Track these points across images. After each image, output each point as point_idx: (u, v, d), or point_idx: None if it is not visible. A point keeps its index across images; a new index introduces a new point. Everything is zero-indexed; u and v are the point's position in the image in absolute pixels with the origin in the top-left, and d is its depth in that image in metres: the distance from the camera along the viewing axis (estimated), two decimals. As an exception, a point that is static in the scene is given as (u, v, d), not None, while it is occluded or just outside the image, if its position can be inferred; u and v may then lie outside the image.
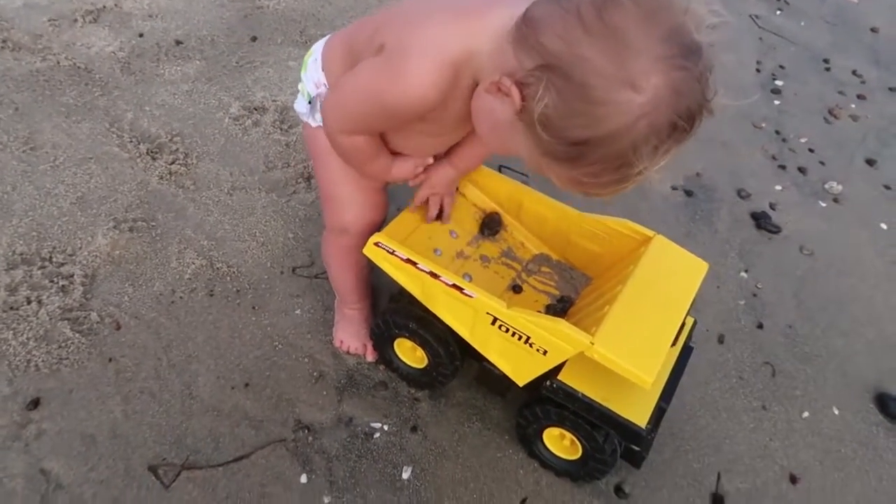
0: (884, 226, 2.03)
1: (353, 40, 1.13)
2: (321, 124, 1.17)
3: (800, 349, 1.65)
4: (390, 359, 1.38)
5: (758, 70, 2.55)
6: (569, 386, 1.16)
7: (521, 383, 1.20)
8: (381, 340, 1.36)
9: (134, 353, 1.35)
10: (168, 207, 1.60)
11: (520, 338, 1.13)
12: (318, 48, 1.20)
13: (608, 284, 1.26)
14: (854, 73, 2.65)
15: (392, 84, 0.97)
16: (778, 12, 2.92)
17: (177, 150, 1.73)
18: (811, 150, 2.24)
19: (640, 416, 1.15)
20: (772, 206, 2.00)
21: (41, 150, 1.65)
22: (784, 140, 2.25)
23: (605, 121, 0.82)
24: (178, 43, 2.02)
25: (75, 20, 2.01)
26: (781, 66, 2.59)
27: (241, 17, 2.17)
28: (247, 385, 1.34)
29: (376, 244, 1.19)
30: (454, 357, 1.29)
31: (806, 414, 1.52)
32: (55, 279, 1.42)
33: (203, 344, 1.39)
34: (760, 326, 1.68)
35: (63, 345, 1.33)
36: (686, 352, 1.28)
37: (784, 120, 2.34)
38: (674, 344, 1.24)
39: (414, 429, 1.34)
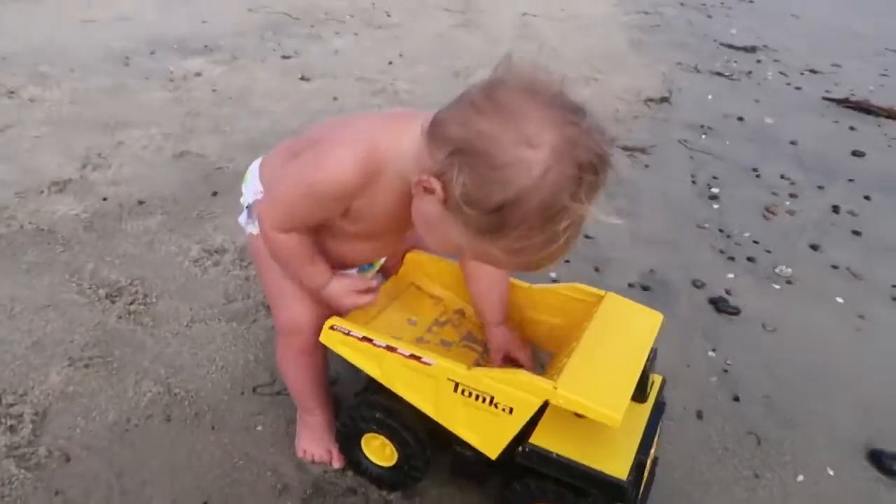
0: (840, 300, 2.08)
1: (294, 146, 1.23)
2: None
3: (781, 416, 1.61)
4: (358, 460, 1.31)
5: (693, 182, 2.73)
6: (542, 448, 1.11)
7: (493, 455, 1.15)
8: (348, 440, 1.30)
9: (83, 484, 1.26)
10: (126, 343, 1.59)
11: (484, 400, 1.10)
12: (255, 164, 1.31)
13: (568, 349, 1.26)
14: (782, 176, 2.85)
15: (317, 169, 1.06)
16: (703, 136, 3.19)
17: (136, 291, 1.75)
18: (756, 242, 2.34)
19: (619, 469, 1.09)
20: (727, 292, 2.04)
21: (0, 304, 1.67)
22: (728, 236, 2.36)
23: (514, 180, 0.88)
24: (141, 203, 2.12)
25: (41, 192, 2.12)
26: (715, 177, 2.78)
27: (202, 177, 2.30)
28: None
29: (332, 328, 1.19)
30: (424, 446, 1.24)
31: (801, 478, 1.46)
32: (3, 420, 1.36)
33: (158, 468, 1.31)
34: (737, 399, 1.65)
35: (6, 482, 1.25)
36: (659, 408, 1.25)
37: (725, 220, 2.46)
38: (644, 400, 1.22)
39: (387, 531, 1.24)
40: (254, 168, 1.30)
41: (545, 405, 1.09)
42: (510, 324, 1.37)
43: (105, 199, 2.12)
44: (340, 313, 1.21)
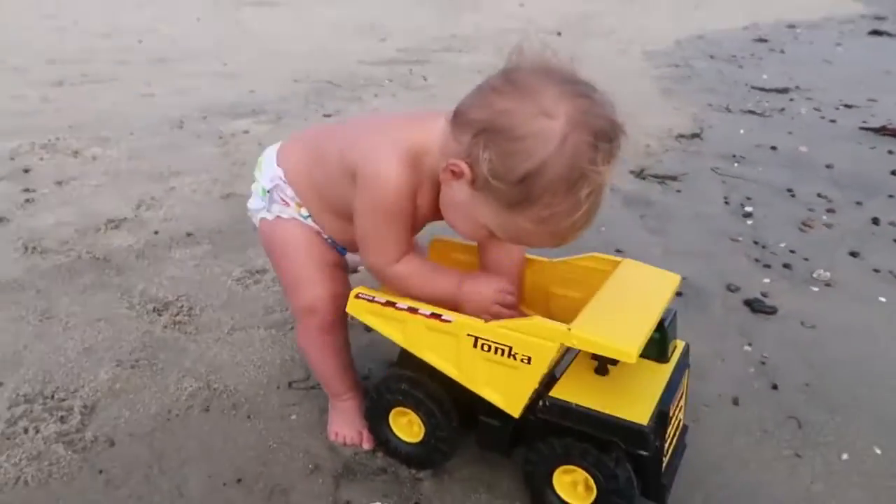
0: (883, 299, 2.02)
1: (317, 146, 1.32)
2: (279, 214, 1.33)
3: (823, 402, 1.56)
4: (386, 438, 1.33)
5: (726, 202, 2.73)
6: (562, 400, 1.12)
7: (516, 412, 1.15)
8: (376, 416, 1.32)
9: (125, 465, 1.32)
10: (170, 348, 1.67)
11: (502, 352, 1.12)
12: (270, 151, 1.39)
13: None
14: (819, 195, 2.82)
15: (379, 190, 1.13)
16: (735, 164, 3.20)
17: (181, 306, 1.84)
18: (792, 251, 2.31)
19: (639, 416, 1.09)
20: (763, 295, 2.02)
21: (55, 318, 1.78)
22: (763, 247, 2.34)
23: (535, 149, 0.97)
24: (189, 234, 2.26)
25: (99, 229, 2.28)
26: (748, 198, 2.77)
27: (245, 212, 2.42)
28: (239, 481, 1.29)
29: (357, 296, 1.24)
30: (449, 416, 1.26)
31: (845, 456, 1.40)
32: (54, 412, 1.44)
33: (196, 451, 1.36)
34: (775, 387, 1.61)
35: (54, 462, 1.31)
36: (681, 368, 1.24)
37: (760, 233, 2.45)
38: (665, 361, 1.22)
39: (416, 505, 1.25)
40: (269, 155, 1.37)
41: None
42: (529, 302, 1.39)
43: (156, 233, 2.26)
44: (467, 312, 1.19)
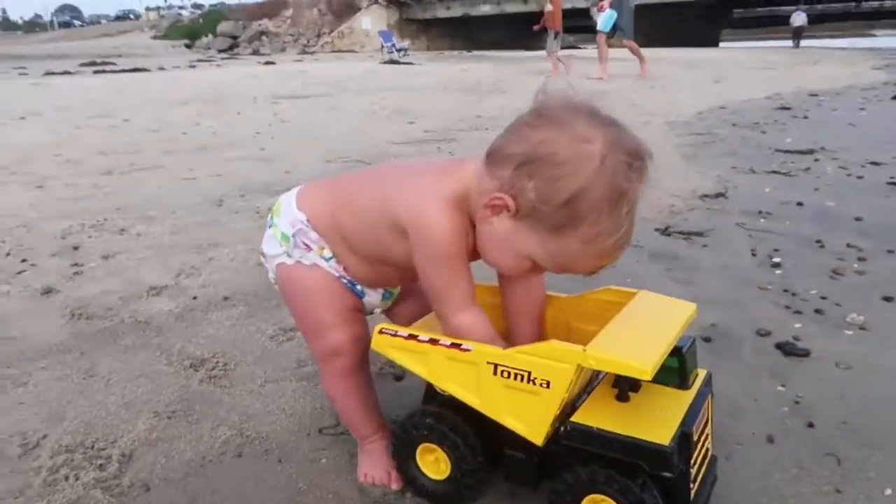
0: (921, 340, 1.98)
1: (344, 193, 1.38)
2: (300, 260, 1.36)
3: (862, 439, 1.52)
4: (413, 476, 1.34)
5: (753, 254, 2.73)
6: (583, 424, 1.13)
7: (539, 440, 1.16)
8: (403, 452, 1.34)
9: (160, 507, 1.35)
10: (205, 400, 1.72)
11: (522, 378, 1.14)
12: (287, 196, 1.43)
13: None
14: (849, 245, 2.80)
15: (434, 240, 1.18)
16: (762, 220, 3.21)
17: (217, 362, 1.90)
18: (823, 298, 2.29)
19: (661, 436, 1.09)
20: (795, 338, 1.99)
21: (98, 376, 1.85)
22: (794, 294, 2.32)
23: (578, 172, 1.05)
24: (226, 298, 2.34)
25: (141, 296, 2.38)
26: (776, 249, 2.77)
27: (279, 277, 2.52)
28: (270, 522, 1.30)
29: (381, 331, 1.28)
30: (475, 450, 1.26)
31: (889, 491, 1.36)
32: (94, 461, 1.49)
33: (229, 494, 1.38)
34: (811, 425, 1.57)
35: (93, 506, 1.35)
36: (704, 393, 1.23)
37: (790, 282, 2.43)
38: (687, 388, 1.22)
39: (444, 541, 1.24)
40: (287, 201, 1.41)
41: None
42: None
43: (195, 298, 2.35)
44: None
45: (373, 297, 1.43)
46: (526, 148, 1.09)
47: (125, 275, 2.59)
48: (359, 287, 1.40)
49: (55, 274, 2.61)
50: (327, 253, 1.36)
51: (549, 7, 11.37)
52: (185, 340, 2.04)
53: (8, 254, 2.86)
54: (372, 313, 1.47)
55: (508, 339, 1.35)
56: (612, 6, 10.50)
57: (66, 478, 1.43)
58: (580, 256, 1.10)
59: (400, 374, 1.82)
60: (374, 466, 1.40)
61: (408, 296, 1.50)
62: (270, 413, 1.66)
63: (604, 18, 10.72)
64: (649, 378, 1.05)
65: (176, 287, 2.46)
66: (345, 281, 1.38)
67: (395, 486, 1.38)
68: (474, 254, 1.24)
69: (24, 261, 2.77)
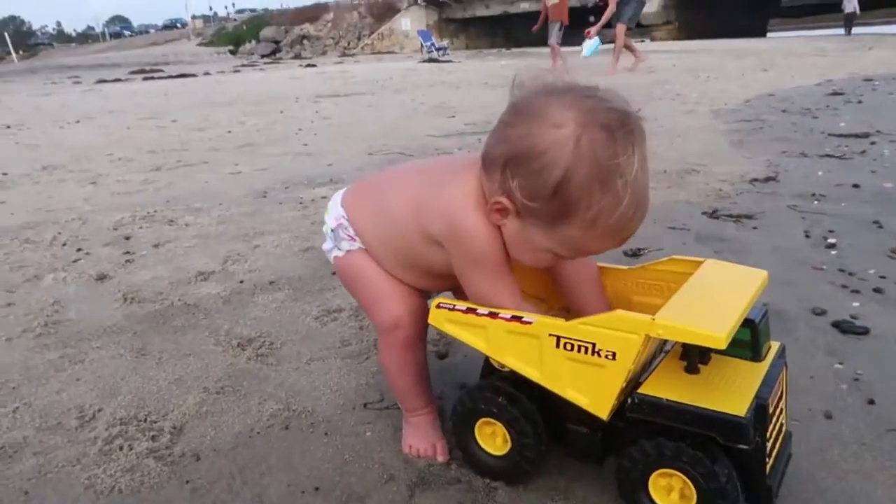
0: None
1: (381, 200, 1.36)
2: (349, 249, 1.38)
3: (928, 414, 1.45)
4: (467, 445, 1.32)
5: (807, 236, 2.64)
6: (652, 396, 1.09)
7: (604, 414, 1.13)
8: (463, 422, 1.31)
9: (210, 475, 1.37)
10: (253, 377, 1.74)
11: (586, 350, 1.10)
12: (337, 195, 1.45)
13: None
14: (908, 225, 2.69)
15: (473, 244, 1.16)
16: (815, 202, 3.11)
17: (263, 341, 1.93)
18: (882, 277, 2.20)
19: (736, 408, 1.04)
20: (853, 317, 1.92)
21: (149, 355, 1.89)
22: (851, 274, 2.24)
23: (556, 159, 1.03)
24: (271, 282, 2.38)
25: (189, 282, 2.43)
26: (831, 230, 2.68)
27: (324, 263, 2.54)
28: (316, 489, 1.31)
29: (438, 306, 1.26)
30: (541, 439, 1.24)
31: (956, 466, 1.29)
32: (147, 432, 1.52)
33: (275, 463, 1.40)
34: (872, 402, 1.51)
35: (146, 474, 1.37)
36: (778, 365, 1.18)
37: (846, 262, 2.35)
38: (760, 360, 1.18)
39: (491, 511, 1.23)
40: (335, 199, 1.44)
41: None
42: None
43: (241, 282, 2.39)
44: None
45: None
46: (506, 148, 1.07)
47: (174, 262, 2.65)
48: None
49: (108, 262, 2.69)
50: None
51: (552, 0, 11.15)
52: (233, 322, 2.07)
53: (64, 244, 2.96)
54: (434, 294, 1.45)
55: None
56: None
57: (121, 448, 1.47)
58: (590, 240, 1.07)
59: (444, 353, 1.82)
60: (420, 439, 1.40)
61: None
62: (316, 389, 1.67)
63: (590, 46, 10.46)
64: (723, 346, 1.00)
65: (223, 272, 2.51)
66: None
67: (440, 458, 1.37)
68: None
69: (79, 250, 2.86)
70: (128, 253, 2.78)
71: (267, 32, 36.75)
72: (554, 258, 1.16)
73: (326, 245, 1.44)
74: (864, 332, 1.83)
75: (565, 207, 1.04)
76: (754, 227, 2.78)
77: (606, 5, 10.16)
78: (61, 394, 1.71)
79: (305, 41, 34.76)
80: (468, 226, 1.15)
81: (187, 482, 1.35)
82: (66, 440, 1.51)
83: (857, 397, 1.54)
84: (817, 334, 1.83)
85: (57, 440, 1.51)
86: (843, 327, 1.86)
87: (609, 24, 10.39)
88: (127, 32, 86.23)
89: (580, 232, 1.06)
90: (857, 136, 4.60)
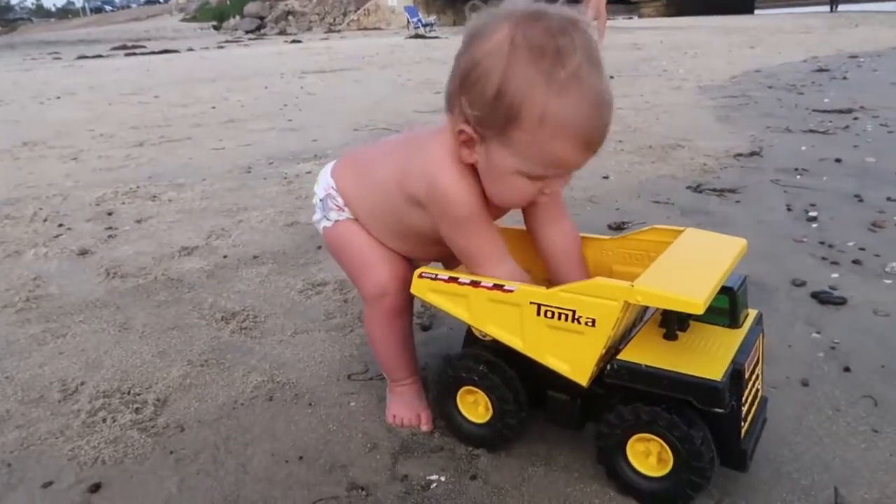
0: (964, 288, 1.92)
1: (367, 173, 1.36)
2: (337, 219, 1.38)
3: (901, 381, 1.48)
4: (450, 414, 1.33)
5: (789, 209, 2.67)
6: (630, 362, 1.10)
7: (583, 380, 1.14)
8: (445, 390, 1.33)
9: (194, 446, 1.37)
10: (237, 350, 1.74)
11: (566, 317, 1.11)
12: (326, 167, 1.45)
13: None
14: (889, 199, 2.72)
15: (451, 205, 1.16)
16: (798, 177, 3.13)
17: (247, 315, 1.93)
18: (862, 249, 2.23)
19: (712, 372, 1.06)
20: (832, 288, 1.95)
21: (132, 329, 1.89)
22: (830, 246, 2.27)
23: (493, 64, 1.03)
24: (255, 257, 2.37)
25: (173, 256, 2.42)
26: (812, 204, 2.70)
27: (308, 237, 2.54)
28: (301, 458, 1.32)
29: (420, 276, 1.27)
30: (522, 406, 1.25)
31: (928, 430, 1.32)
32: (130, 405, 1.52)
33: (259, 434, 1.40)
34: (847, 370, 1.54)
35: (129, 445, 1.38)
36: (755, 332, 1.20)
37: (826, 235, 2.37)
38: (739, 326, 1.19)
39: (473, 477, 1.25)
40: (325, 170, 1.43)
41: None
42: None
43: (225, 257, 2.38)
44: None
45: None
46: (456, 75, 1.09)
47: (157, 237, 2.63)
48: None
49: (90, 237, 2.66)
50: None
51: None
52: (217, 295, 2.07)
53: (45, 220, 2.93)
54: (422, 263, 1.45)
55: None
56: None
57: (104, 420, 1.46)
58: (549, 143, 1.04)
59: (427, 325, 1.83)
60: (404, 408, 1.41)
61: None
62: (300, 361, 1.67)
63: None
64: (701, 312, 1.01)
65: (207, 247, 2.49)
66: None
67: (425, 427, 1.39)
68: (497, 211, 1.23)
69: (60, 226, 2.83)
70: (110, 228, 2.76)
71: (251, 8, 36.16)
72: (534, 187, 1.13)
73: (315, 216, 1.44)
74: (842, 302, 1.86)
75: (511, 109, 1.02)
76: (737, 202, 2.79)
77: None
78: (43, 367, 1.70)
79: (290, 17, 34.26)
80: (444, 182, 1.16)
81: (171, 453, 1.35)
82: (49, 413, 1.51)
83: (833, 365, 1.56)
84: (796, 305, 1.86)
85: (40, 413, 1.51)
86: (821, 298, 1.88)
87: None
88: (108, 7, 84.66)
89: (533, 134, 1.03)
90: (840, 111, 4.62)
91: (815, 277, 2.02)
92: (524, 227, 1.40)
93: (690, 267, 1.14)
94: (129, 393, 1.57)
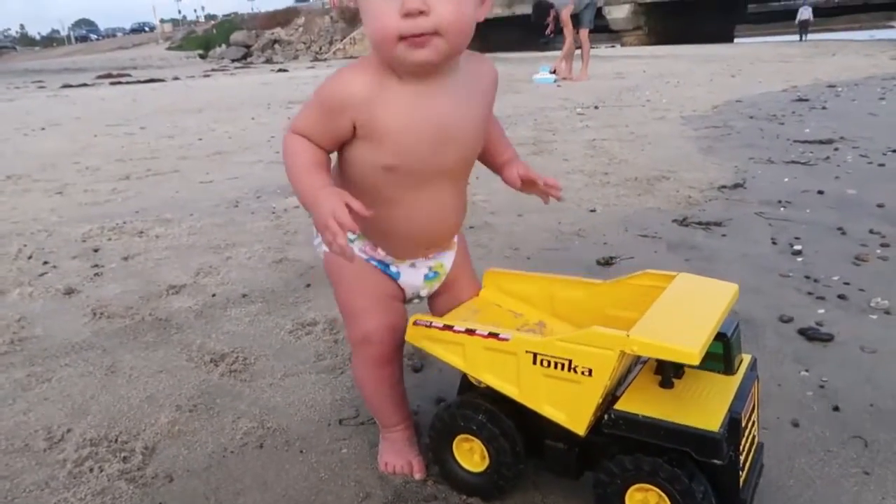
0: (948, 323, 1.95)
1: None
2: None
3: (891, 421, 1.49)
4: (444, 461, 1.32)
5: (774, 243, 2.70)
6: (628, 412, 1.11)
7: (581, 430, 1.14)
8: (441, 437, 1.32)
9: (183, 497, 1.35)
10: (226, 394, 1.73)
11: (563, 367, 1.12)
12: None
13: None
14: (871, 231, 2.76)
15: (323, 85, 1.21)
16: (782, 209, 3.17)
17: (237, 357, 1.91)
18: (847, 283, 2.26)
19: (710, 423, 1.06)
20: (818, 324, 1.97)
21: (120, 371, 1.86)
22: (816, 280, 2.29)
23: None
24: (244, 295, 2.36)
25: (160, 295, 2.40)
26: (797, 237, 2.73)
27: (297, 274, 2.53)
28: (292, 509, 1.31)
29: (415, 323, 1.27)
30: (519, 458, 1.25)
31: (919, 472, 1.33)
32: (118, 453, 1.50)
33: (250, 483, 1.38)
34: (837, 409, 1.55)
35: (117, 496, 1.36)
36: (750, 378, 1.21)
37: (811, 269, 2.40)
38: (732, 373, 1.20)
39: (468, 527, 1.24)
40: None
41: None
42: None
43: (214, 296, 2.37)
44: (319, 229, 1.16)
45: (411, 277, 1.39)
46: None
47: (145, 275, 2.61)
48: (393, 268, 1.37)
49: (76, 275, 2.64)
50: (351, 234, 1.34)
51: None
52: (205, 336, 2.05)
53: (30, 257, 2.90)
54: (415, 300, 1.44)
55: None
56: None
57: (91, 470, 1.44)
58: None
59: (418, 366, 1.82)
60: (397, 455, 1.40)
61: (448, 288, 1.46)
62: (290, 405, 1.66)
63: (544, 77, 10.05)
64: (697, 362, 1.02)
65: (195, 286, 2.48)
66: (375, 263, 1.36)
67: (417, 475, 1.37)
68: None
69: (45, 263, 2.80)
70: (96, 266, 2.74)
71: (237, 36, 36.39)
72: (386, 4, 1.09)
73: (314, 239, 1.41)
74: (829, 338, 1.88)
75: None
76: (723, 235, 2.82)
77: (548, 25, 9.82)
78: (28, 414, 1.67)
79: (277, 45, 34.51)
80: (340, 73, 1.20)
81: (160, 504, 1.34)
82: (34, 462, 1.48)
83: (822, 405, 1.57)
84: (784, 342, 1.87)
85: (24, 463, 1.48)
86: (808, 334, 1.90)
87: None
88: (94, 36, 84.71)
89: None
90: (821, 142, 4.70)
91: (802, 313, 2.04)
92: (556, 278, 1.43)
93: (684, 315, 1.15)
94: (116, 441, 1.55)
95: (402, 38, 1.11)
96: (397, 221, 1.30)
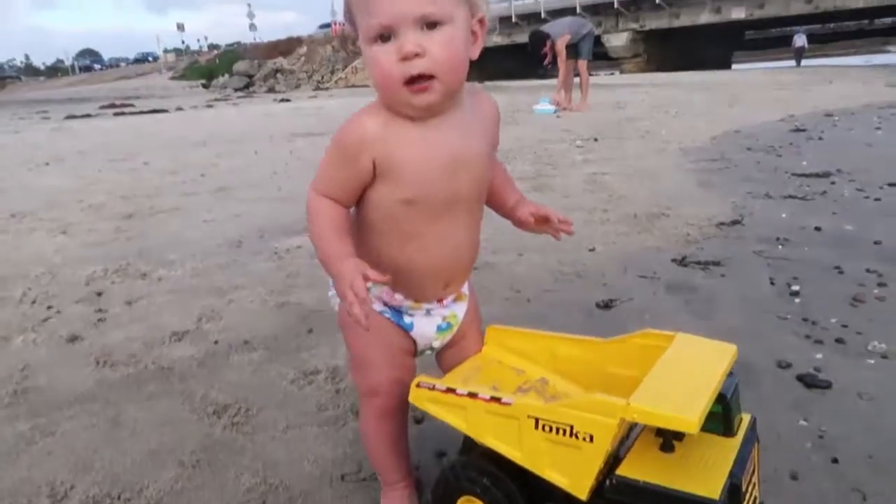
0: (946, 369, 1.96)
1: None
2: None
3: (890, 472, 1.50)
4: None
5: (772, 283, 2.72)
6: (629, 478, 1.12)
7: (583, 495, 1.15)
8: (444, 499, 1.32)
9: (186, 558, 1.36)
10: (229, 448, 1.74)
11: (564, 432, 1.14)
12: None
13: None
14: (868, 270, 2.78)
15: (338, 131, 1.28)
16: (780, 247, 3.20)
17: (239, 408, 1.92)
18: (844, 326, 2.27)
19: (710, 490, 1.08)
20: (816, 370, 1.98)
21: (124, 424, 1.88)
22: (814, 323, 2.31)
23: None
24: (246, 342, 2.37)
25: (163, 342, 2.42)
26: (795, 277, 2.76)
27: (300, 319, 2.55)
28: (294, 571, 1.31)
29: (418, 385, 1.29)
30: None
31: (917, 528, 1.33)
32: (121, 511, 1.51)
33: (253, 543, 1.39)
34: (835, 461, 1.56)
35: (120, 558, 1.36)
36: (750, 440, 1.22)
37: (809, 311, 2.42)
38: (732, 435, 1.22)
39: (469, 589, 1.24)
40: None
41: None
42: (586, 385, 1.41)
43: (216, 342, 2.39)
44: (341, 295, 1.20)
45: (424, 328, 1.40)
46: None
47: (148, 320, 2.64)
48: (406, 319, 1.39)
49: (80, 321, 2.66)
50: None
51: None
52: (208, 387, 2.07)
53: (34, 301, 2.92)
54: (427, 352, 1.46)
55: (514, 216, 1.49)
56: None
57: (94, 529, 1.45)
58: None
59: (420, 418, 1.83)
60: (398, 514, 1.41)
61: (456, 342, 1.48)
62: (293, 460, 1.67)
63: (544, 108, 10.11)
64: (695, 431, 1.04)
65: (197, 331, 2.50)
66: (389, 314, 1.38)
67: (417, 534, 1.38)
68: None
69: (49, 307, 2.83)
70: (100, 311, 2.76)
71: (240, 66, 36.83)
72: (384, 52, 1.17)
73: (330, 291, 1.41)
74: (827, 385, 1.89)
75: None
76: (722, 275, 2.85)
77: (546, 55, 9.89)
78: (32, 470, 1.68)
79: (279, 75, 34.90)
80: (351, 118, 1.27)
81: (166, 566, 1.34)
82: (38, 522, 1.49)
83: (821, 456, 1.58)
84: (783, 389, 1.89)
85: (28, 522, 1.49)
86: (806, 381, 1.91)
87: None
88: (97, 66, 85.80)
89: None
90: (818, 175, 4.75)
91: (800, 357, 2.05)
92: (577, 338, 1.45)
93: (684, 379, 1.17)
94: (119, 498, 1.56)
95: (405, 83, 1.18)
96: (416, 256, 1.32)
